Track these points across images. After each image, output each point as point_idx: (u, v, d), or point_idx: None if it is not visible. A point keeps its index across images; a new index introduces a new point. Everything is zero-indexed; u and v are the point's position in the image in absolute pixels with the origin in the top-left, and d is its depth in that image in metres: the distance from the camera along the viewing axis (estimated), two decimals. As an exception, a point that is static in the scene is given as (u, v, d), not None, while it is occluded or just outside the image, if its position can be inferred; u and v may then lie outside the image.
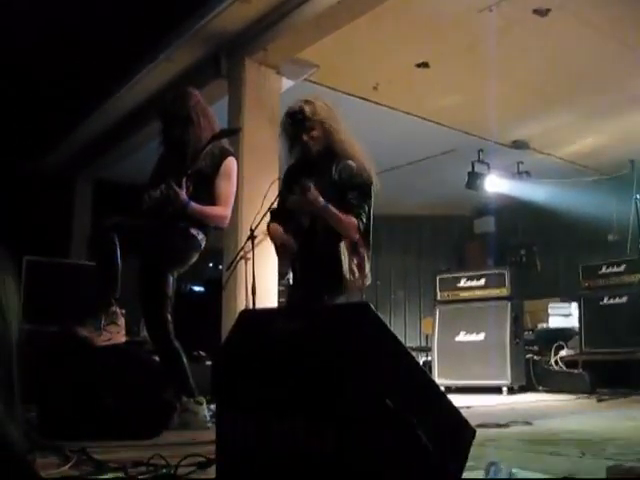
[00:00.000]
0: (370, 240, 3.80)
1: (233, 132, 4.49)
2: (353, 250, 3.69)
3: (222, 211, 3.99)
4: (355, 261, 3.70)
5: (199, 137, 3.95)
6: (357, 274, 3.70)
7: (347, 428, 1.71)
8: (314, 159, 3.79)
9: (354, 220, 3.62)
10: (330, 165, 3.72)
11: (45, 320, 5.62)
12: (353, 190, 3.65)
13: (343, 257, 3.65)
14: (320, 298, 3.68)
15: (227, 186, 4.02)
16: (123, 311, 3.75)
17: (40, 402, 3.44)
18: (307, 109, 3.73)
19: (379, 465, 1.76)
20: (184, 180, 3.85)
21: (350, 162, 3.69)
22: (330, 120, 3.78)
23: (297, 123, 3.75)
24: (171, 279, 4.01)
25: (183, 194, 3.82)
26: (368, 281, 3.80)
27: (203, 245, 4.05)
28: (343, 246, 3.66)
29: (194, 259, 4.09)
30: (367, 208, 3.69)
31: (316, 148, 3.75)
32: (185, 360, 3.95)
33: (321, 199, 3.60)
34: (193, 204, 3.86)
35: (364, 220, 3.66)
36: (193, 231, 3.97)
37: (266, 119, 6.16)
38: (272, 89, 6.36)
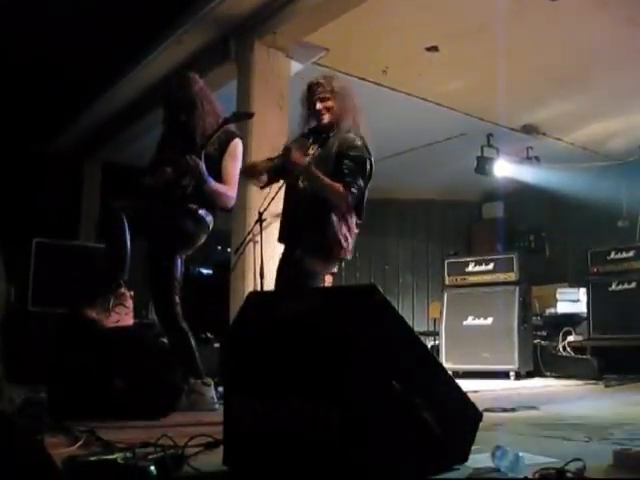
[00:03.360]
0: (361, 215, 3.86)
1: (246, 116, 4.48)
2: (342, 219, 3.74)
3: (229, 190, 4.01)
4: (342, 230, 3.74)
5: (204, 122, 3.98)
6: (342, 244, 3.74)
7: (353, 409, 1.72)
8: (323, 129, 3.87)
9: (341, 188, 3.65)
10: (335, 138, 3.80)
11: (54, 302, 5.65)
12: (349, 160, 3.71)
13: (329, 224, 3.71)
14: (300, 258, 3.74)
15: (233, 166, 4.05)
16: (131, 293, 3.77)
17: (49, 383, 3.46)
18: (324, 81, 3.88)
19: (385, 446, 1.77)
20: (202, 157, 3.88)
21: (353, 136, 3.78)
22: (345, 97, 3.88)
23: (313, 92, 3.87)
24: (179, 261, 4.03)
25: (203, 166, 3.84)
26: (348, 255, 3.83)
27: (211, 226, 4.08)
28: (333, 213, 3.71)
29: (203, 240, 4.11)
30: (361, 181, 3.73)
31: (327, 119, 3.84)
32: (193, 342, 3.97)
33: (305, 159, 3.70)
34: (211, 179, 3.88)
35: (354, 191, 3.68)
36: (202, 212, 3.99)
37: (275, 102, 6.15)
38: (281, 72, 6.34)
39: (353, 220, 3.81)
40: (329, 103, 3.83)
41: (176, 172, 3.91)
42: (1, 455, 1.26)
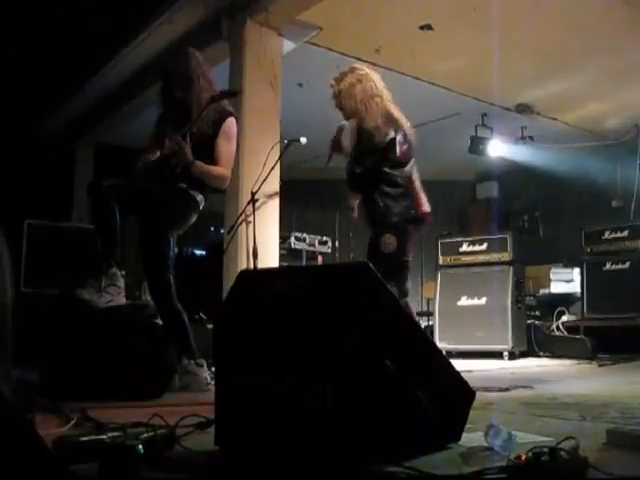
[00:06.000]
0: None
1: (232, 94, 4.43)
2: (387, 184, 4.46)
3: (223, 171, 3.98)
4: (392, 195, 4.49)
5: (199, 98, 3.93)
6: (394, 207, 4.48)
7: (346, 388, 1.71)
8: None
9: None
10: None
11: (46, 282, 5.63)
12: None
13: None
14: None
15: (227, 146, 4.00)
16: (123, 273, 3.75)
17: (41, 364, 3.45)
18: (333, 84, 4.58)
19: (378, 425, 1.76)
20: (187, 138, 3.84)
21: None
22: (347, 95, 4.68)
23: None
24: (171, 240, 4.00)
25: (189, 149, 3.81)
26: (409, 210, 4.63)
27: (202, 206, 4.05)
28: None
29: (193, 220, 4.08)
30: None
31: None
32: (187, 322, 3.95)
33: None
34: (198, 162, 3.85)
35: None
36: (192, 192, 3.97)
37: (267, 81, 6.11)
38: (274, 51, 6.28)
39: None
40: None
41: (165, 151, 3.89)
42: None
